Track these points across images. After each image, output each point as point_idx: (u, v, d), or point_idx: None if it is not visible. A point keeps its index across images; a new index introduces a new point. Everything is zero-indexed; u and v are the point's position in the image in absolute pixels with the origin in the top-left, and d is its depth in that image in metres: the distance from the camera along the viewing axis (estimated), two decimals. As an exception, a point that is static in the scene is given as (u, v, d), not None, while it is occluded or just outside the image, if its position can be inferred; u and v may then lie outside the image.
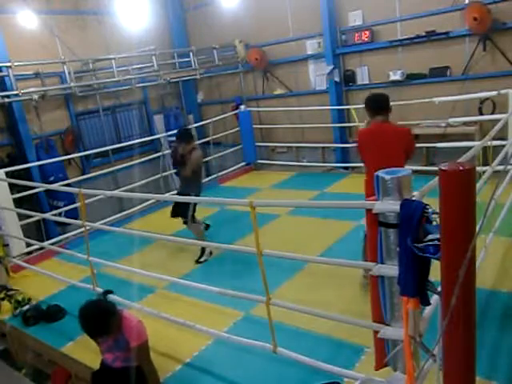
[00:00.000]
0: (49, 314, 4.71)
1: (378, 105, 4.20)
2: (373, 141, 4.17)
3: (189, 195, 5.60)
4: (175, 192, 5.49)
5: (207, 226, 6.27)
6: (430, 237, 2.11)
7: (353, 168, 8.69)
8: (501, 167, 4.25)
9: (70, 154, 8.24)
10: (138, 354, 3.08)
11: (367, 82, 8.87)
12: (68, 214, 7.23)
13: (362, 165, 8.29)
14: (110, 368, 3.18)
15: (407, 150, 4.12)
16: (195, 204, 5.73)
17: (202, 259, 5.58)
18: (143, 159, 8.51)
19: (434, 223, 2.13)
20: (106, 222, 6.81)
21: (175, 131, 9.41)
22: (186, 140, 5.78)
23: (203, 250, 5.62)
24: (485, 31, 7.20)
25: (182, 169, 5.73)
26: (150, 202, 7.87)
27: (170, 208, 6.00)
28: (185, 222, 5.77)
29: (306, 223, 6.14)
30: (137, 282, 4.83)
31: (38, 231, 7.53)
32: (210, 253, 5.66)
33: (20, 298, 5.01)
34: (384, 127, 4.16)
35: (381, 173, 2.32)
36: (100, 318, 2.99)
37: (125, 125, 10.26)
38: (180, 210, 5.76)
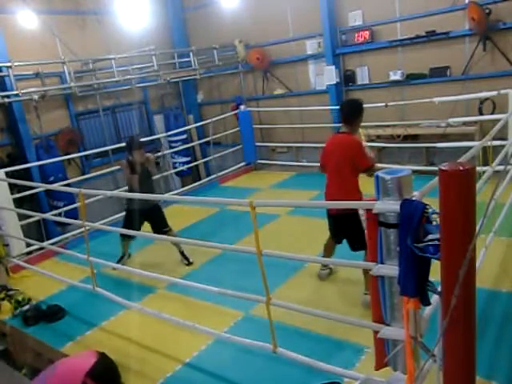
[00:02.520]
0: (49, 313, 4.71)
1: (343, 115, 4.20)
2: (328, 151, 4.25)
3: (158, 204, 5.59)
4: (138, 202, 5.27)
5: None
6: (430, 237, 2.11)
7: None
8: (501, 167, 4.25)
9: (67, 155, 8.23)
10: None
11: (367, 82, 8.87)
12: (68, 214, 7.23)
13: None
14: None
15: (355, 163, 4.03)
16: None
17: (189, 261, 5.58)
18: (143, 159, 8.50)
19: (434, 223, 2.13)
20: (105, 222, 6.81)
21: (176, 131, 9.55)
22: (139, 146, 5.59)
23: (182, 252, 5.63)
24: (485, 31, 7.19)
25: (144, 176, 5.53)
26: (149, 202, 7.86)
27: (170, 208, 6.01)
28: (165, 232, 5.55)
29: (306, 223, 6.14)
30: (137, 281, 4.84)
31: (38, 231, 7.53)
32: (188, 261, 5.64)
33: (20, 298, 5.01)
34: (338, 138, 4.19)
35: (381, 173, 2.32)
36: None
37: (125, 125, 10.26)
38: (159, 222, 5.56)
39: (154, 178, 8.36)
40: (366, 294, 4.08)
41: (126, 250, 5.72)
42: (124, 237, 5.57)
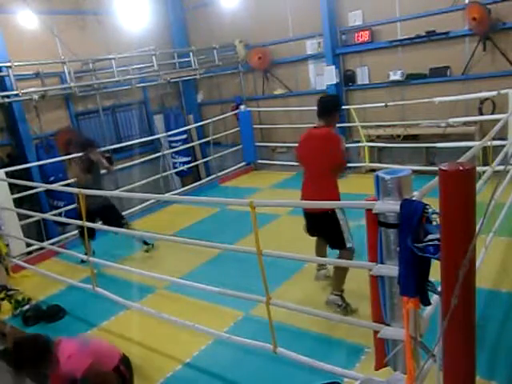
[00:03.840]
0: (49, 313, 4.71)
1: (319, 108, 4.12)
2: (305, 145, 4.14)
3: (107, 202, 5.73)
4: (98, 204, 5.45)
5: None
6: (430, 237, 2.11)
7: (353, 168, 8.68)
8: (501, 167, 4.26)
9: (67, 155, 8.21)
10: (93, 379, 2.75)
11: (367, 82, 8.87)
12: (68, 214, 7.23)
13: (361, 165, 8.38)
14: None
15: (332, 159, 3.93)
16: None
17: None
18: (143, 159, 8.52)
19: (434, 223, 2.13)
20: (106, 222, 6.80)
21: (176, 131, 9.54)
22: (92, 145, 5.92)
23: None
24: (485, 31, 7.20)
25: (95, 173, 5.79)
26: (150, 202, 7.88)
27: (170, 208, 6.02)
28: (123, 225, 5.72)
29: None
30: (137, 281, 4.84)
31: (38, 231, 7.53)
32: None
33: (20, 298, 5.01)
34: (316, 132, 4.07)
35: (381, 173, 2.32)
36: (37, 354, 2.74)
37: (125, 125, 10.25)
38: (112, 218, 5.70)
39: (154, 177, 8.47)
40: (332, 294, 4.09)
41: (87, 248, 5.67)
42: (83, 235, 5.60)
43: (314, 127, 4.12)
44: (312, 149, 4.02)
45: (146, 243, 5.98)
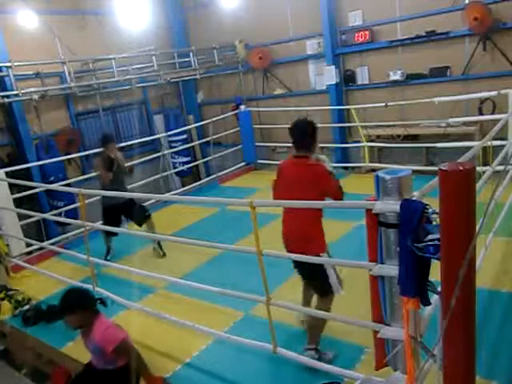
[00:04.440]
0: (49, 314, 4.70)
1: (298, 137, 3.56)
2: (284, 179, 3.65)
3: (133, 200, 5.76)
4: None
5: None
6: (430, 237, 2.11)
7: (353, 168, 8.69)
8: (501, 167, 4.25)
9: (67, 155, 8.22)
10: (119, 355, 3.09)
11: (367, 82, 8.87)
12: (68, 214, 7.23)
13: (361, 165, 8.38)
14: (94, 368, 3.24)
15: (323, 192, 3.39)
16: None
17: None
18: (143, 159, 8.51)
19: (434, 223, 2.13)
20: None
21: (176, 131, 9.54)
22: (110, 142, 5.94)
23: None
24: (485, 31, 7.20)
25: (116, 171, 5.76)
26: (150, 202, 7.86)
27: (170, 208, 6.02)
28: (146, 218, 5.83)
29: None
30: (137, 281, 4.83)
31: (38, 231, 7.53)
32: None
33: (20, 298, 5.01)
34: (298, 165, 3.53)
35: (381, 173, 2.32)
36: (79, 298, 3.10)
37: (125, 125, 10.26)
38: (136, 212, 5.80)
39: (155, 177, 8.47)
40: (307, 349, 3.43)
41: (109, 245, 5.94)
42: (107, 234, 5.83)
43: (294, 157, 3.59)
44: (294, 187, 3.44)
45: (160, 246, 5.93)
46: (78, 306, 3.05)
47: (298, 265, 3.51)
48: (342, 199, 3.44)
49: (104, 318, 3.19)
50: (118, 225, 5.73)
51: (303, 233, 3.43)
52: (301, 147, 3.53)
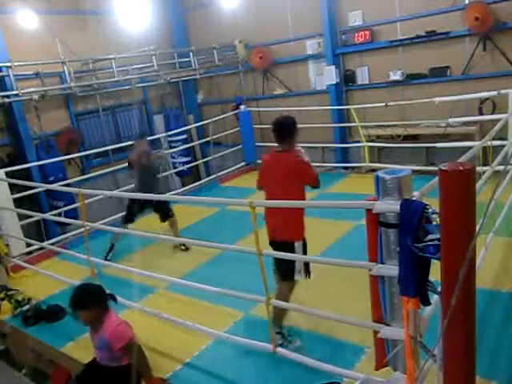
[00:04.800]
0: (49, 313, 4.71)
1: (278, 132, 3.93)
2: (267, 172, 3.95)
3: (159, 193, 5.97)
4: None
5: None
6: (429, 237, 2.11)
7: (353, 168, 8.69)
8: (501, 167, 4.25)
9: (67, 155, 8.23)
10: (125, 353, 3.10)
11: (367, 82, 8.87)
12: (68, 214, 7.23)
13: (361, 165, 8.37)
14: (98, 365, 3.24)
15: (304, 179, 3.74)
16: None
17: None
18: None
19: (434, 223, 2.13)
20: (105, 222, 6.81)
21: (176, 131, 9.54)
22: (142, 137, 6.16)
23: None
24: (486, 31, 7.19)
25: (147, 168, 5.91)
26: (149, 202, 7.87)
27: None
28: (169, 216, 6.00)
29: (306, 223, 6.12)
30: (137, 281, 4.83)
31: (38, 231, 7.53)
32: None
33: (20, 298, 5.00)
34: (280, 157, 3.87)
35: (381, 173, 2.32)
36: (93, 294, 3.10)
37: (125, 125, 10.26)
38: (163, 207, 5.96)
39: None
40: (277, 333, 3.55)
41: (113, 243, 5.93)
42: (125, 220, 5.96)
43: (276, 151, 3.94)
44: (280, 176, 3.75)
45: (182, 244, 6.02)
46: (92, 302, 3.05)
47: (275, 248, 3.70)
48: (318, 187, 3.84)
49: (114, 315, 3.20)
50: (136, 215, 5.97)
51: (287, 221, 3.64)
52: (282, 142, 3.91)
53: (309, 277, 3.73)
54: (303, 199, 3.73)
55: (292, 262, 3.59)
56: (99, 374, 3.22)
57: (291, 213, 3.63)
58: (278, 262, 3.70)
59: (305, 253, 3.74)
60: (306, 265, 3.68)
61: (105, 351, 3.13)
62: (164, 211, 5.97)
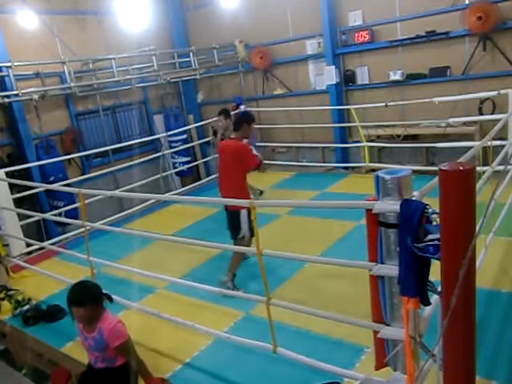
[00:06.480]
0: (49, 313, 4.71)
1: (234, 124, 5.03)
2: (220, 154, 4.99)
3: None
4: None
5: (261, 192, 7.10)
6: (429, 237, 2.11)
7: (353, 168, 8.69)
8: (501, 167, 4.25)
9: (69, 154, 8.24)
10: (121, 353, 3.10)
11: (367, 82, 8.87)
12: (68, 214, 7.22)
13: (361, 165, 8.38)
14: (93, 369, 3.22)
15: (244, 164, 4.71)
16: None
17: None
18: (143, 159, 8.52)
19: (434, 223, 2.13)
20: (105, 222, 6.81)
21: (176, 131, 9.54)
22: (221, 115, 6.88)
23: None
24: (489, 30, 7.17)
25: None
26: (150, 202, 7.87)
27: (170, 208, 6.01)
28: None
29: (306, 223, 6.14)
30: (137, 281, 4.84)
31: (38, 231, 7.53)
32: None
33: (20, 298, 5.01)
34: (227, 144, 4.92)
35: (381, 173, 2.32)
36: (90, 292, 3.11)
37: (125, 125, 10.25)
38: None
39: (154, 177, 8.46)
40: (225, 276, 4.58)
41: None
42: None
43: (230, 138, 4.97)
44: (226, 158, 4.83)
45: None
46: (89, 299, 3.04)
47: (229, 219, 4.86)
48: (258, 167, 4.84)
49: (110, 314, 3.18)
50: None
51: (234, 194, 4.35)
52: (236, 131, 4.90)
53: (252, 235, 4.29)
54: (242, 177, 4.79)
55: (239, 228, 4.68)
56: (95, 377, 3.20)
57: (237, 187, 4.70)
58: (231, 227, 4.83)
59: (249, 218, 4.38)
60: (252, 230, 4.35)
61: (99, 351, 3.11)
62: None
